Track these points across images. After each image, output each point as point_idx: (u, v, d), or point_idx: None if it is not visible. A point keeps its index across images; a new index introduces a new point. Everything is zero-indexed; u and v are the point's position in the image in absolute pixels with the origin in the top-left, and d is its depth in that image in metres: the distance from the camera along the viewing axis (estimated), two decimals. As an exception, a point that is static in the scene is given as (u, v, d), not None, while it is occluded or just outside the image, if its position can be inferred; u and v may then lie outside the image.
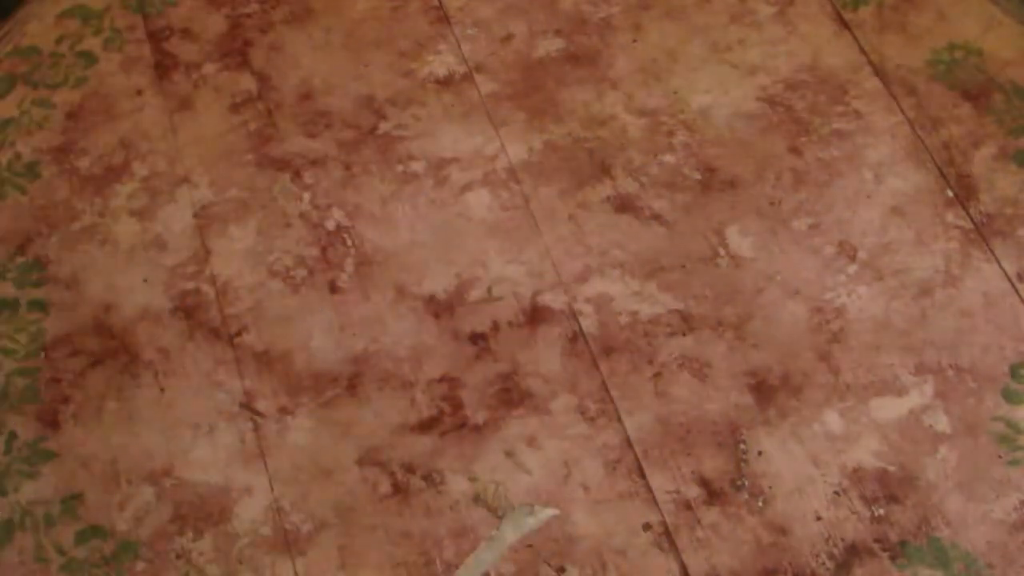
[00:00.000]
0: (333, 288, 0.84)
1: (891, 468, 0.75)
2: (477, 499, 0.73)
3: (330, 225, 0.87)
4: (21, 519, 0.75)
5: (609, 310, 0.82)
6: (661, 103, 0.94)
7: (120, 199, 0.89)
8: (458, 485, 0.75)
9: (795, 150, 0.91)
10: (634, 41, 0.98)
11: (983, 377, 0.79)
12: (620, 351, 0.80)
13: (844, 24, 0.98)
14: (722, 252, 0.85)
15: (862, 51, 0.96)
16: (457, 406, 0.78)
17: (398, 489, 0.75)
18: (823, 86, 0.94)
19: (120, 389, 0.79)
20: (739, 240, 0.86)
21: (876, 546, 0.72)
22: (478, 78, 0.96)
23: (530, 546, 0.71)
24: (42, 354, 0.81)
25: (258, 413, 0.77)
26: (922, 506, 0.73)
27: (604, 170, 0.90)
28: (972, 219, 0.87)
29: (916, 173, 0.89)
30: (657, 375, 0.79)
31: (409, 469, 0.76)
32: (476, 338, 0.81)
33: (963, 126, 0.92)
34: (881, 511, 0.73)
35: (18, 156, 0.92)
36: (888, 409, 0.78)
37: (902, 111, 0.93)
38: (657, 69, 0.96)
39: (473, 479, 0.74)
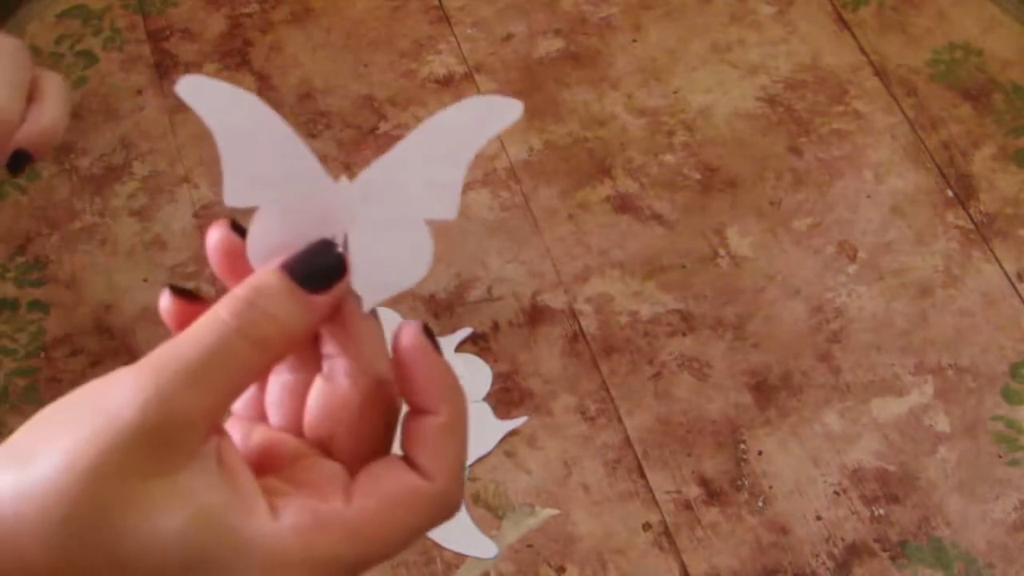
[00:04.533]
0: (333, 288, 0.84)
1: (891, 468, 0.75)
2: (477, 499, 0.73)
3: (330, 225, 0.87)
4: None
5: (609, 310, 0.82)
6: (661, 103, 0.94)
7: (120, 199, 0.89)
8: (458, 485, 0.75)
9: (795, 150, 0.91)
10: (634, 41, 0.98)
11: (983, 377, 0.79)
12: (620, 351, 0.80)
13: (844, 24, 0.98)
14: (722, 252, 0.85)
15: (862, 51, 0.96)
16: (457, 406, 0.78)
17: (398, 489, 0.75)
18: (823, 86, 0.94)
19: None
20: (739, 240, 0.86)
21: (876, 546, 0.72)
22: (478, 78, 0.96)
23: (530, 546, 0.71)
24: (42, 354, 0.81)
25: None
26: (922, 506, 0.73)
27: (604, 170, 0.90)
28: (972, 219, 0.87)
29: (916, 173, 0.89)
30: (657, 375, 0.79)
31: (409, 469, 0.76)
32: (476, 338, 0.81)
33: (963, 126, 0.92)
34: (881, 511, 0.73)
35: (18, 156, 0.92)
36: (888, 409, 0.78)
37: (902, 111, 0.93)
38: (657, 69, 0.96)
39: (473, 479, 0.74)
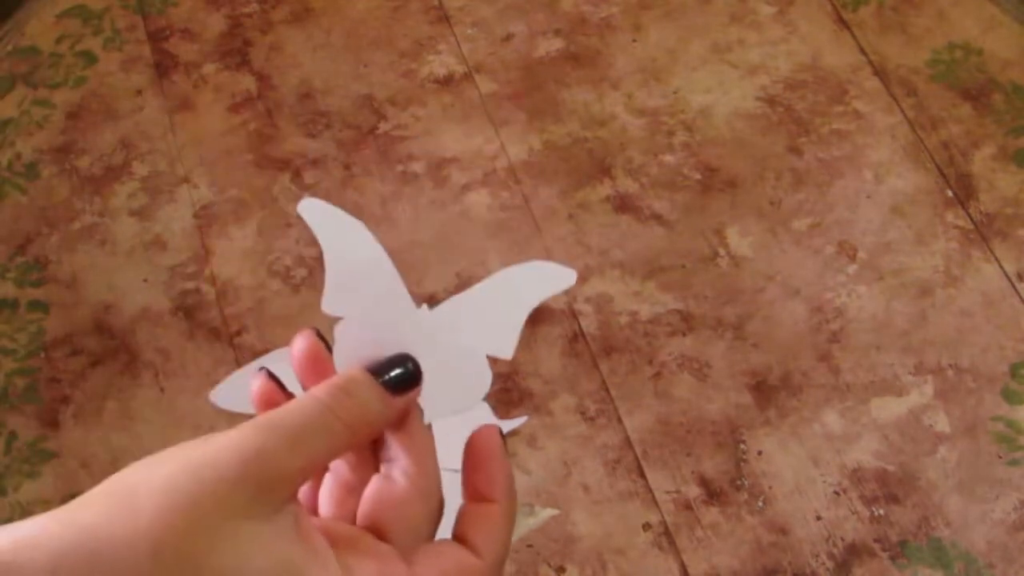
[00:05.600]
0: (333, 288, 0.84)
1: (891, 468, 0.75)
2: (477, 499, 0.73)
3: (330, 225, 0.87)
4: (21, 520, 0.75)
5: (609, 310, 0.82)
6: (661, 103, 0.94)
7: (120, 199, 0.89)
8: (458, 485, 0.75)
9: (795, 150, 0.91)
10: (634, 41, 0.98)
11: (983, 377, 0.79)
12: (620, 351, 0.80)
13: (844, 24, 0.98)
14: (722, 252, 0.85)
15: (862, 51, 0.96)
16: (457, 406, 0.78)
17: (398, 489, 0.75)
18: (823, 86, 0.94)
19: (120, 389, 0.79)
20: (739, 240, 0.86)
21: (876, 546, 0.72)
22: (478, 78, 0.96)
23: (530, 546, 0.71)
24: (42, 354, 0.81)
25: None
26: (922, 506, 0.73)
27: (604, 170, 0.90)
28: (972, 219, 0.87)
29: (916, 173, 0.89)
30: (657, 375, 0.79)
31: (409, 469, 0.76)
32: (476, 338, 0.81)
33: (963, 126, 0.92)
34: (881, 511, 0.73)
35: (18, 156, 0.92)
36: (888, 409, 0.78)
37: (902, 111, 0.93)
38: (657, 69, 0.96)
39: (473, 479, 0.74)
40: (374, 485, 0.42)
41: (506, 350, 0.48)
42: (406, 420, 0.42)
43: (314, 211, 0.48)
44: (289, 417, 0.39)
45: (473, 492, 0.42)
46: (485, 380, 0.48)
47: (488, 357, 0.47)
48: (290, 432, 0.38)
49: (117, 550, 0.35)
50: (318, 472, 0.44)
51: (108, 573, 0.35)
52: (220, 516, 0.36)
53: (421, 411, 0.44)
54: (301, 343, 0.44)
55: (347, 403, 0.40)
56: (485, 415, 0.76)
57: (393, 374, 0.42)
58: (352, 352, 0.44)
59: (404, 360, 0.43)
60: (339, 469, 0.44)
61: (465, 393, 0.46)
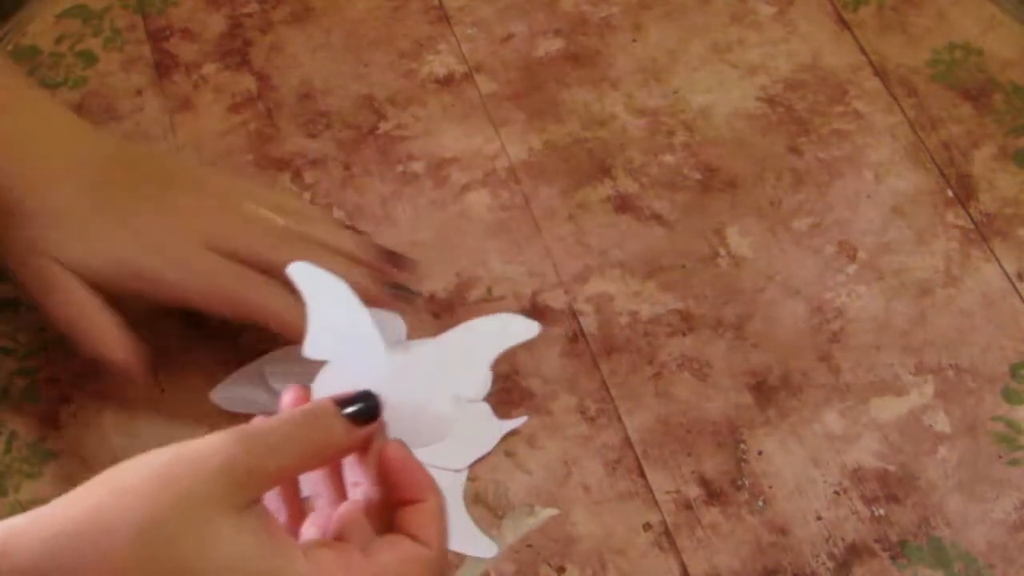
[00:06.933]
0: (333, 288, 0.84)
1: (891, 468, 0.75)
2: (477, 499, 0.73)
3: (330, 225, 0.87)
4: (21, 519, 0.74)
5: (609, 310, 0.82)
6: (661, 103, 0.94)
7: (120, 199, 0.89)
8: (458, 485, 0.75)
9: (795, 150, 0.91)
10: (634, 41, 0.98)
11: (983, 377, 0.79)
12: (620, 351, 0.80)
13: (844, 24, 0.98)
14: (722, 252, 0.85)
15: (862, 51, 0.96)
16: (457, 406, 0.78)
17: (398, 489, 0.75)
18: (823, 86, 0.94)
19: (120, 389, 0.79)
20: (739, 240, 0.86)
21: (876, 546, 0.72)
22: (478, 78, 0.96)
23: (530, 546, 0.71)
24: (42, 354, 0.81)
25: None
26: (922, 506, 0.73)
27: (604, 170, 0.90)
28: (972, 219, 0.87)
29: (916, 173, 0.89)
30: (657, 375, 0.79)
31: (409, 469, 0.76)
32: (476, 338, 0.81)
33: (963, 126, 0.92)
34: (881, 511, 0.73)
35: (18, 156, 0.92)
36: (888, 409, 0.78)
37: (902, 111, 0.93)
38: (657, 69, 0.96)
39: (473, 479, 0.74)
40: (339, 508, 0.50)
41: (479, 390, 0.59)
42: (370, 448, 0.50)
43: (304, 273, 0.57)
44: (266, 429, 0.46)
45: (402, 498, 0.49)
46: (445, 423, 0.57)
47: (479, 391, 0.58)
48: (265, 442, 0.45)
49: (105, 534, 0.40)
50: (287, 483, 0.52)
51: (94, 555, 0.40)
52: (200, 506, 0.42)
53: (398, 442, 0.51)
54: (291, 394, 0.53)
55: (315, 426, 0.47)
56: (485, 415, 0.76)
57: (355, 407, 0.50)
58: (330, 391, 0.51)
59: (367, 396, 0.50)
60: (319, 505, 0.52)
61: (429, 428, 0.55)
